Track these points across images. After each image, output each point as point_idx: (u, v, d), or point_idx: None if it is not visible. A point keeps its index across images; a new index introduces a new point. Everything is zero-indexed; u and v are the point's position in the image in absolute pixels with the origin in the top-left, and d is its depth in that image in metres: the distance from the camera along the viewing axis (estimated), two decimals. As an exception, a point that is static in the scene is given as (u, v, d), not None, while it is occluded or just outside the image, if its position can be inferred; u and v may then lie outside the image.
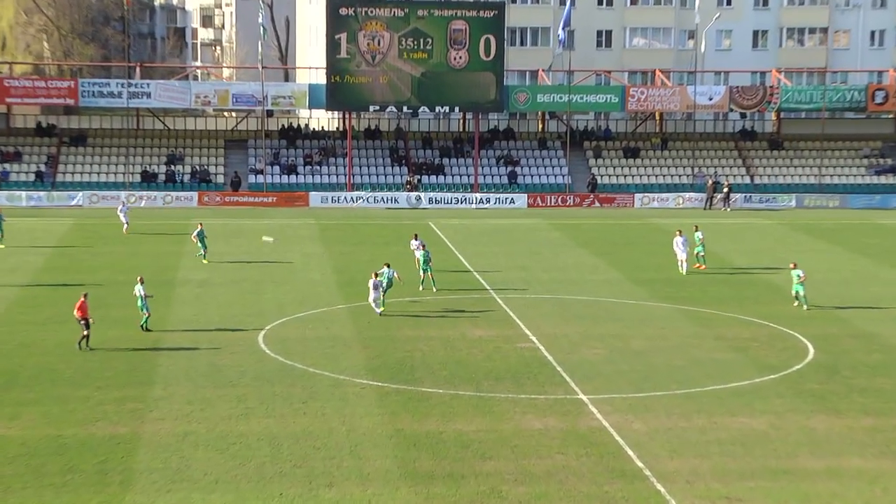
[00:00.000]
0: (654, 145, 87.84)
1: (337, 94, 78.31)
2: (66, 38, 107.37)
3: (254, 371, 35.38)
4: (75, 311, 37.26)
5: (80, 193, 75.01)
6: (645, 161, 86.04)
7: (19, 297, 45.44)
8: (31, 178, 77.66)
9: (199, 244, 53.76)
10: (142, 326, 39.69)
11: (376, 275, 43.28)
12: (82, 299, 37.36)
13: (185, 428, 30.00)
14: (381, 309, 43.06)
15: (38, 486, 26.07)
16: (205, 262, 53.27)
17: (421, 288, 47.24)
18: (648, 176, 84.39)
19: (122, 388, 33.38)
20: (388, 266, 44.40)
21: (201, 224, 55.56)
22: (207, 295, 46.54)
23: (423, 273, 47.62)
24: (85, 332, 37.13)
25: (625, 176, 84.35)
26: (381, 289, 42.79)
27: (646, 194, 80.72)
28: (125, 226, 62.17)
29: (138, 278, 40.57)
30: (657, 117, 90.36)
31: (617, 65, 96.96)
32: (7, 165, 77.99)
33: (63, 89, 77.09)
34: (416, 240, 51.27)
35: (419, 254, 47.99)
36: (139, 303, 39.64)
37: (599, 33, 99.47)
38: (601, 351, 38.49)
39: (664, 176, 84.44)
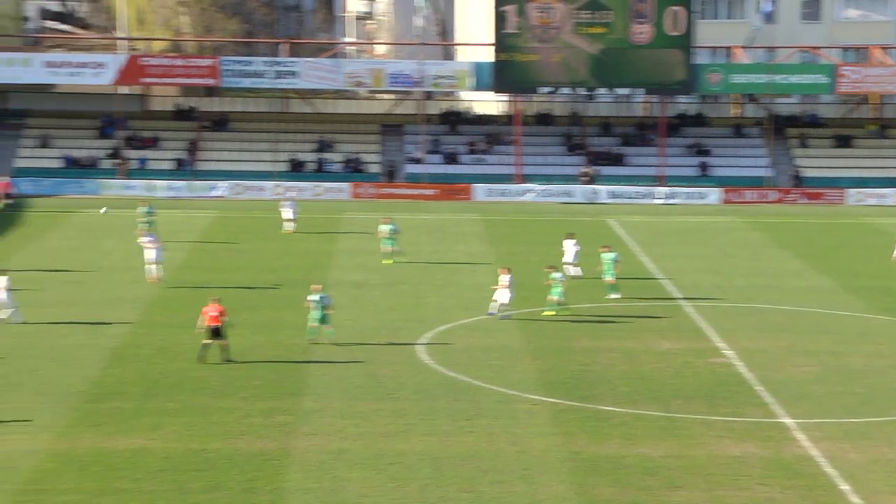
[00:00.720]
0: (869, 133, 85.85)
1: (504, 73, 78.68)
2: (207, 12, 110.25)
3: (414, 383, 35.88)
4: (205, 319, 37.45)
5: (223, 183, 77.00)
6: (859, 151, 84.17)
7: (158, 296, 46.96)
8: (170, 165, 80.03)
9: (388, 243, 54.45)
10: (314, 341, 39.71)
11: (508, 269, 43.54)
12: (216, 304, 37.65)
13: (339, 445, 30.61)
14: (554, 313, 43.47)
15: (182, 504, 27.02)
16: (388, 262, 54.13)
17: (610, 295, 47.16)
18: (863, 168, 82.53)
19: (270, 399, 34.23)
20: (555, 268, 44.55)
21: (389, 218, 56.09)
22: (363, 298, 47.35)
23: (611, 278, 47.48)
24: (222, 343, 37.53)
25: (835, 168, 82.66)
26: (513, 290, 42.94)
27: (860, 190, 78.99)
28: (291, 224, 62.59)
29: (313, 287, 40.38)
30: (874, 101, 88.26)
31: (826, 40, 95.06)
32: (145, 152, 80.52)
33: (203, 68, 79.15)
34: (570, 239, 51.31)
35: (607, 257, 47.86)
36: (317, 314, 39.58)
37: (806, 3, 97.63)
38: (810, 368, 37.89)
39: (882, 168, 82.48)
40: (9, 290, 41.99)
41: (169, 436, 31.12)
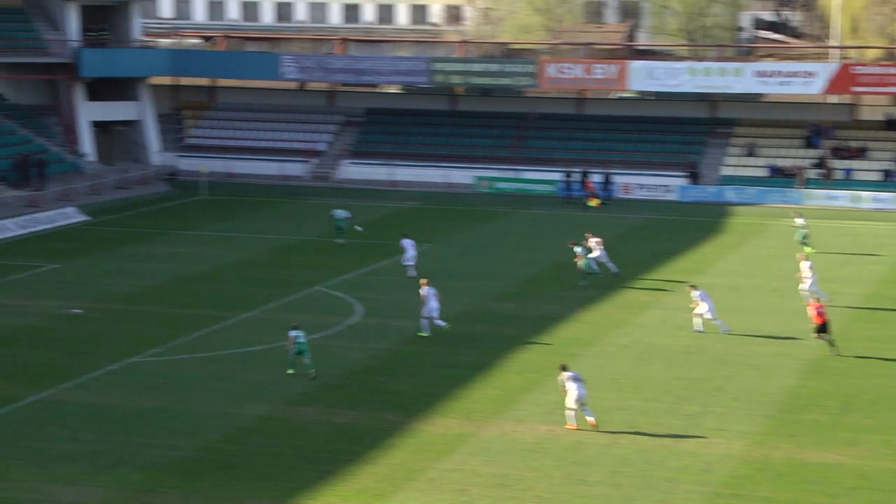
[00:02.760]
0: None
1: None
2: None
3: None
4: (814, 317, 39.41)
5: (931, 196, 74.20)
6: None
7: (856, 311, 46.14)
8: (877, 177, 78.32)
9: None
10: None
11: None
12: (817, 303, 39.65)
13: None
14: None
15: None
16: None
17: None
18: None
19: None
20: None
21: None
22: None
23: None
24: (826, 338, 39.28)
25: None
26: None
27: None
28: None
29: None
30: None
31: None
32: (850, 162, 79.37)
33: (914, 77, 76.70)
34: None
35: None
36: None
37: None
38: None
39: None
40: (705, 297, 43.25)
41: (865, 453, 30.56)
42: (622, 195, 76.76)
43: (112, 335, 42.19)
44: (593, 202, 72.02)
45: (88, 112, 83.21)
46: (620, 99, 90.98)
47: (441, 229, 64.77)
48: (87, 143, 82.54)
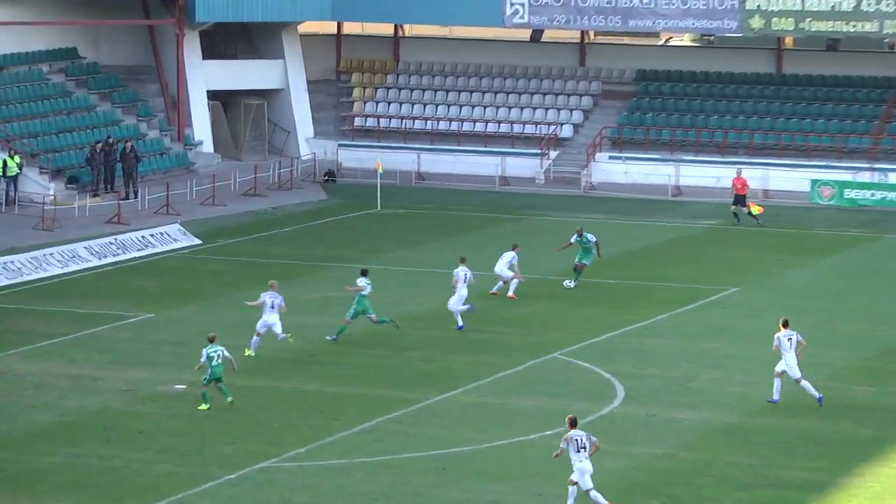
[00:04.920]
0: None
1: None
2: None
3: None
4: None
5: None
6: None
7: None
8: None
9: None
10: None
11: None
12: None
13: None
14: None
15: None
16: None
17: None
18: None
19: None
20: None
21: None
22: None
23: None
24: None
25: None
26: None
27: None
28: None
29: None
30: None
31: None
32: None
33: None
34: None
35: None
36: None
37: None
38: None
39: None
40: None
41: None
42: None
43: (232, 426, 42.77)
44: (756, 209, 70.97)
45: (204, 77, 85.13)
46: None
47: (754, 264, 64.13)
48: (200, 125, 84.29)
